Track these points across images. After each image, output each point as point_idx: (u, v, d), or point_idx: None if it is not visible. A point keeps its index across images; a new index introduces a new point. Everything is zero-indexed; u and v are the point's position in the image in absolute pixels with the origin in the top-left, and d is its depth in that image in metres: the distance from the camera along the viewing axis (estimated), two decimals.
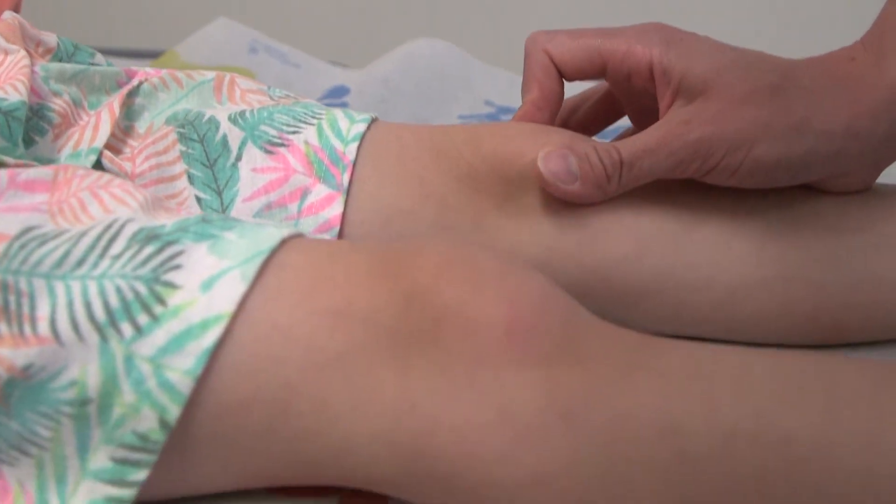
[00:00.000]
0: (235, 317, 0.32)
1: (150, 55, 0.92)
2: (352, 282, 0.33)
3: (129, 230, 0.33)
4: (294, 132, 0.45)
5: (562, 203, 0.44)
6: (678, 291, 0.44)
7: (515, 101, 0.83)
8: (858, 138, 0.41)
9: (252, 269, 0.32)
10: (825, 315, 0.45)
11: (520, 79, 0.87)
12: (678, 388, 0.31)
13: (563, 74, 0.46)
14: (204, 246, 0.33)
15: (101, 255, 0.33)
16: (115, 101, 0.47)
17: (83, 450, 0.32)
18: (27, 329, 0.31)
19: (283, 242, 0.34)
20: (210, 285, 0.32)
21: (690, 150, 0.41)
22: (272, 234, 0.34)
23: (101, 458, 0.32)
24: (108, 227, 0.34)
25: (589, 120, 0.51)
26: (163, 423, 0.31)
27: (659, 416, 0.30)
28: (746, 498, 0.30)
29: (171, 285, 0.32)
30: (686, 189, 0.45)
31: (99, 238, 0.33)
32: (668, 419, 0.30)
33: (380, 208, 0.44)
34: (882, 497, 0.29)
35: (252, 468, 0.34)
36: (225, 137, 0.45)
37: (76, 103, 0.47)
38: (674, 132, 0.41)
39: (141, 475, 0.32)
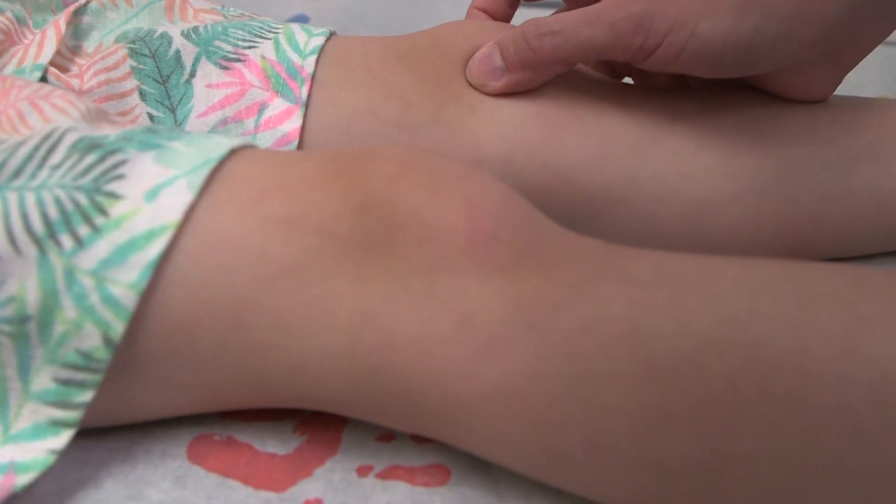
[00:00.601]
0: (182, 227, 0.30)
1: None
2: (305, 189, 0.32)
3: (70, 139, 0.32)
4: (250, 47, 0.44)
5: (523, 96, 0.43)
6: (644, 202, 0.43)
7: None
8: (808, 23, 0.39)
9: (199, 177, 0.31)
10: (796, 229, 0.44)
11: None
12: (646, 295, 0.30)
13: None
14: (149, 155, 0.32)
15: (40, 166, 0.31)
16: (60, 19, 0.45)
17: (24, 371, 0.31)
18: None
19: (233, 152, 0.33)
20: (155, 195, 0.31)
21: (633, 21, 0.39)
22: (221, 143, 0.33)
23: (43, 380, 0.30)
24: (47, 136, 0.32)
25: None
26: (107, 341, 0.30)
27: (627, 326, 0.29)
28: (719, 408, 0.29)
29: (114, 195, 0.30)
30: (649, 97, 0.44)
31: (37, 147, 0.31)
32: (636, 328, 0.29)
33: (340, 112, 0.43)
34: (859, 404, 0.28)
35: (204, 389, 0.33)
36: (178, 53, 0.43)
37: (20, 21, 0.45)
38: (615, 3, 0.40)
39: (86, 396, 0.31)
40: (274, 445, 0.35)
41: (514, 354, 0.29)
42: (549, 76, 0.42)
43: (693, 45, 0.39)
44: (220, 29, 0.44)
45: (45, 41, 0.43)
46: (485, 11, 0.48)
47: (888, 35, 0.43)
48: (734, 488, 0.29)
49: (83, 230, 0.30)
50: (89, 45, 0.46)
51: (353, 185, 0.32)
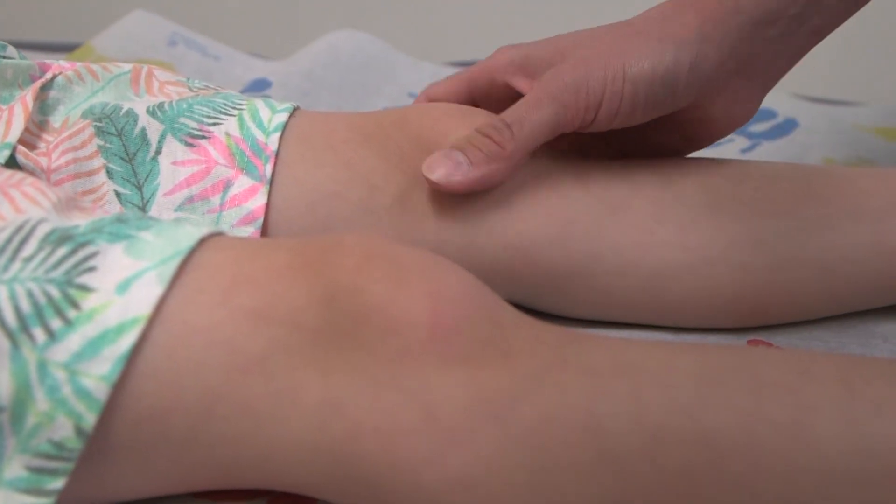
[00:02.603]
0: (153, 319, 0.31)
1: (65, 48, 0.90)
2: (272, 280, 0.33)
3: (42, 231, 0.32)
4: (215, 124, 0.45)
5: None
6: (605, 276, 0.45)
7: None
8: (714, 43, 0.43)
9: (169, 269, 0.32)
10: (749, 296, 0.46)
11: (443, 70, 0.88)
12: (604, 386, 0.31)
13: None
14: (119, 247, 0.32)
15: (12, 258, 0.32)
16: (27, 95, 0.45)
17: None
18: None
19: (202, 241, 0.33)
20: (126, 287, 0.31)
21: (571, 89, 0.43)
22: (190, 232, 0.33)
23: (15, 468, 0.31)
24: (20, 228, 0.32)
25: None
26: (79, 431, 0.30)
27: (584, 416, 0.30)
28: (674, 497, 0.30)
29: (86, 288, 0.31)
30: (608, 170, 0.46)
31: (10, 240, 0.32)
32: (593, 419, 0.30)
33: (304, 192, 0.44)
34: (806, 490, 0.29)
35: (174, 475, 0.33)
36: (144, 131, 0.44)
37: None
38: (549, 80, 0.43)
39: (58, 484, 0.31)
40: None
41: (477, 445, 0.30)
42: (515, 169, 0.43)
43: (628, 91, 0.43)
44: (185, 106, 0.45)
45: (12, 119, 0.44)
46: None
47: (803, 52, 0.47)
48: None
49: (55, 323, 0.30)
50: (56, 119, 0.46)
51: (319, 278, 0.33)
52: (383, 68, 0.86)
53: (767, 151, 0.70)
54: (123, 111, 0.45)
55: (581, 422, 0.30)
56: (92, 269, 0.31)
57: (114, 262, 0.32)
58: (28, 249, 0.32)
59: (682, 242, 0.45)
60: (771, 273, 0.45)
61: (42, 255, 0.32)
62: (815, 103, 0.79)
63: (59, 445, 0.31)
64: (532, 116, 0.43)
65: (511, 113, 0.43)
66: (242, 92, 0.82)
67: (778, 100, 0.78)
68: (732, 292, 0.45)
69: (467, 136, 0.43)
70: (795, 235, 0.45)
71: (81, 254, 0.32)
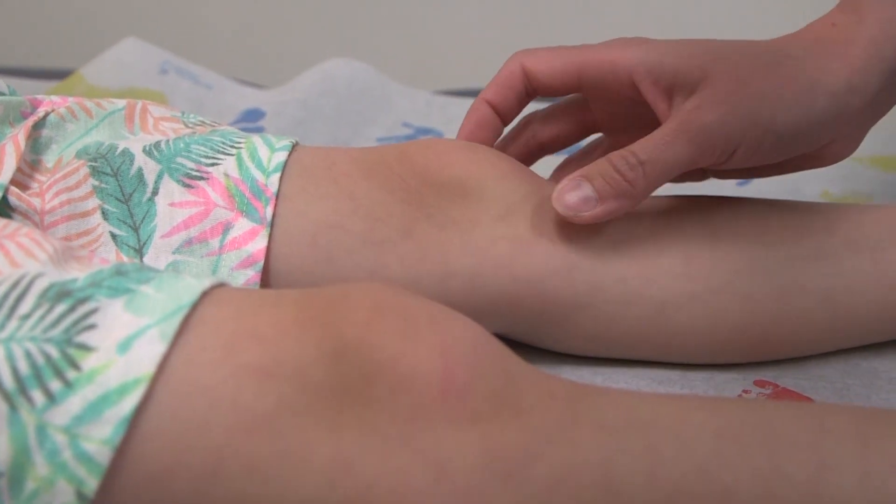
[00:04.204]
0: (155, 378, 0.30)
1: (56, 75, 0.89)
2: (278, 336, 0.32)
3: (39, 286, 0.31)
4: (213, 164, 0.44)
5: (492, 215, 0.44)
6: (608, 305, 0.44)
7: (433, 121, 0.83)
8: (858, 93, 0.43)
9: (172, 327, 0.31)
10: (754, 326, 0.45)
11: (436, 98, 0.87)
12: (618, 442, 0.30)
13: (536, 85, 0.46)
14: (120, 302, 0.31)
15: (9, 316, 0.30)
16: (20, 134, 0.44)
17: None
18: None
19: (204, 294, 0.32)
20: (127, 346, 0.30)
21: (709, 133, 0.41)
22: (192, 286, 0.32)
23: None
24: (16, 283, 0.31)
25: (555, 136, 0.51)
26: (80, 496, 0.29)
27: (599, 475, 0.30)
28: None
29: (85, 347, 0.30)
30: None
31: (6, 296, 0.31)
32: (608, 477, 0.30)
33: (306, 225, 0.43)
34: None
35: None
36: (140, 171, 0.43)
37: None
38: (688, 119, 0.42)
39: None
40: None
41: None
42: (637, 204, 0.43)
43: (769, 140, 0.42)
44: (182, 145, 0.45)
45: (4, 158, 0.43)
46: (491, 104, 0.48)
47: None
48: None
49: (55, 385, 0.29)
50: (49, 159, 0.46)
51: (327, 332, 0.32)
52: (378, 97, 0.86)
53: (763, 184, 0.70)
54: (119, 151, 0.44)
55: (596, 480, 0.30)
56: (92, 326, 0.30)
57: (114, 319, 0.31)
58: (25, 307, 0.31)
59: (685, 272, 0.44)
60: (774, 302, 0.45)
61: (40, 312, 0.31)
62: None
63: None
64: (667, 157, 0.42)
65: (645, 149, 0.42)
66: (236, 122, 0.81)
67: None
68: (737, 322, 0.45)
69: (599, 168, 0.42)
70: (796, 264, 0.45)
71: (81, 311, 0.31)
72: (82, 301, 0.31)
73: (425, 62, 1.27)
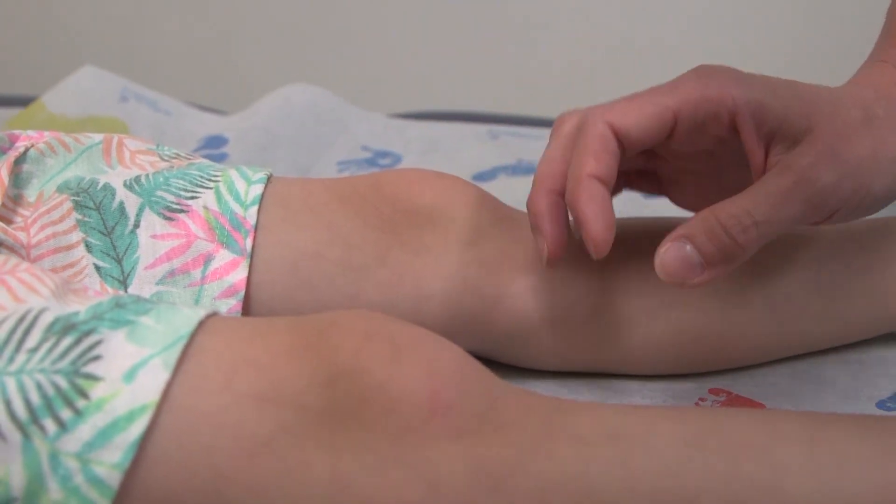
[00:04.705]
0: (160, 406, 0.32)
1: (17, 102, 0.89)
2: (274, 364, 0.34)
3: (44, 321, 0.33)
4: (192, 197, 0.46)
5: (462, 241, 0.46)
6: (571, 323, 0.47)
7: (390, 144, 0.86)
8: None
9: (173, 356, 0.33)
10: (708, 338, 0.48)
11: (393, 121, 0.90)
12: (595, 451, 0.33)
13: (626, 143, 0.41)
14: (122, 334, 0.33)
15: (17, 349, 0.32)
16: (2, 169, 0.46)
17: None
18: None
19: (200, 324, 0.34)
20: (133, 375, 0.32)
21: (826, 194, 0.40)
22: (189, 317, 0.34)
23: None
24: (22, 318, 0.33)
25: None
26: None
27: (579, 484, 0.32)
28: None
29: (93, 377, 0.32)
30: None
31: (13, 331, 0.33)
32: (587, 485, 0.32)
33: (286, 253, 0.46)
34: None
35: None
36: (122, 204, 0.45)
37: None
38: (806, 177, 0.39)
39: None
40: None
41: None
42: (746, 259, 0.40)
43: (866, 203, 0.41)
44: (161, 179, 0.46)
45: None
46: (601, 180, 0.41)
47: None
48: None
49: (65, 414, 0.31)
50: (30, 193, 0.47)
51: (320, 360, 0.34)
52: (336, 121, 0.87)
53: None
54: (101, 185, 0.45)
55: (577, 489, 0.32)
56: (97, 357, 0.32)
57: (118, 350, 0.32)
58: (32, 340, 0.32)
59: (639, 288, 0.47)
60: (724, 314, 0.47)
61: (47, 345, 0.32)
62: None
63: None
64: (782, 216, 0.39)
65: (759, 207, 0.39)
66: (199, 149, 0.83)
67: None
68: (692, 334, 0.48)
69: (707, 224, 0.39)
70: (742, 279, 0.48)
71: (86, 343, 0.33)
72: (87, 333, 0.33)
73: (381, 86, 1.29)
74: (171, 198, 0.45)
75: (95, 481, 0.31)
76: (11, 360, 0.32)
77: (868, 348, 0.53)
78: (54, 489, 0.31)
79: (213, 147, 0.82)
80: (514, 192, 0.59)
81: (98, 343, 0.33)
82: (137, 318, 0.34)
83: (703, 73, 0.41)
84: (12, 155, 0.47)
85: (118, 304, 0.35)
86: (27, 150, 0.48)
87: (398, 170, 0.50)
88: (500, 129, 0.90)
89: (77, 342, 0.33)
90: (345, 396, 0.33)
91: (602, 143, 0.40)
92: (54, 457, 0.31)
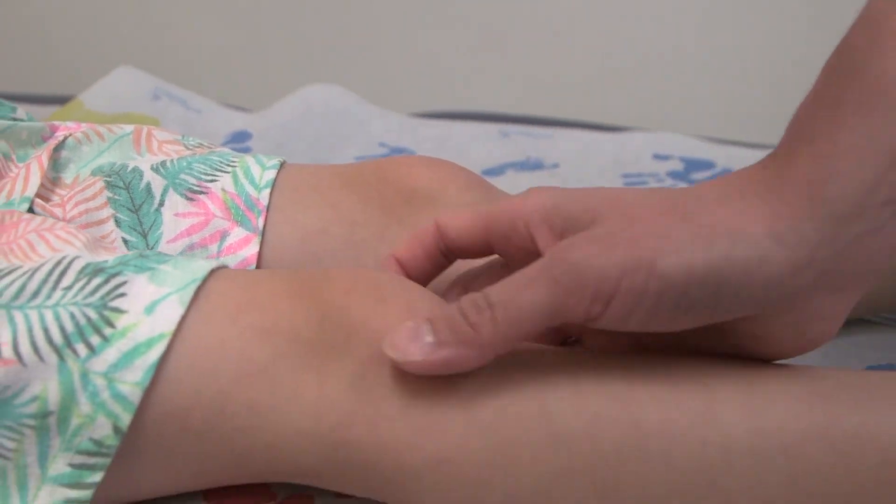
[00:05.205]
0: (175, 335, 0.37)
1: (56, 101, 0.95)
2: (274, 304, 0.39)
3: (77, 265, 0.38)
4: (212, 180, 0.51)
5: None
6: None
7: (405, 141, 0.90)
8: (784, 241, 0.34)
9: (188, 294, 0.38)
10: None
11: (409, 120, 0.94)
12: (548, 377, 0.37)
13: (449, 244, 0.42)
14: (144, 276, 0.38)
15: (54, 287, 0.38)
16: (42, 155, 0.51)
17: (43, 458, 0.37)
18: None
19: (212, 272, 0.40)
20: (152, 309, 0.37)
21: (575, 272, 0.34)
22: (202, 265, 0.40)
23: (60, 465, 0.37)
24: (58, 262, 0.38)
25: None
26: (116, 430, 0.36)
27: (536, 406, 0.36)
28: (608, 467, 0.36)
29: (118, 310, 0.37)
30: None
31: (50, 272, 0.38)
32: (541, 406, 0.36)
33: (294, 231, 0.50)
34: (714, 461, 0.36)
35: (193, 467, 0.39)
36: (149, 185, 0.50)
37: (5, 157, 0.51)
38: (555, 256, 0.35)
39: (97, 477, 0.37)
40: None
41: (448, 430, 0.36)
42: (491, 356, 0.36)
43: (654, 288, 0.34)
44: (184, 163, 0.52)
45: (29, 175, 0.50)
46: (399, 262, 0.43)
47: None
48: None
49: (94, 339, 0.37)
50: (67, 176, 0.52)
51: (315, 301, 0.39)
52: (354, 119, 0.92)
53: None
54: (130, 168, 0.51)
55: (533, 410, 0.36)
56: (123, 294, 0.38)
57: (141, 289, 0.38)
58: (67, 280, 0.38)
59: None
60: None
61: (80, 284, 0.38)
62: (751, 149, 0.86)
63: (98, 443, 0.36)
64: (523, 299, 0.35)
65: (499, 290, 0.36)
66: (225, 143, 0.88)
67: (715, 150, 0.86)
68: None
69: (446, 310, 0.36)
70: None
71: (113, 283, 0.38)
72: (114, 275, 0.38)
73: (398, 87, 1.34)
74: (192, 180, 0.50)
75: (119, 397, 0.36)
76: (49, 296, 0.37)
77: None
78: (84, 403, 0.36)
79: (238, 142, 0.88)
80: (521, 187, 0.63)
81: (124, 283, 0.38)
82: (158, 266, 0.39)
83: (528, 190, 0.40)
84: (52, 143, 0.53)
85: (141, 255, 0.40)
86: (66, 138, 0.53)
87: (399, 156, 0.55)
88: (511, 129, 0.94)
89: (105, 282, 0.38)
90: (334, 329, 0.38)
91: (421, 234, 0.42)
92: (84, 376, 0.36)
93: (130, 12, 1.39)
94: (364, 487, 0.39)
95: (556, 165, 0.86)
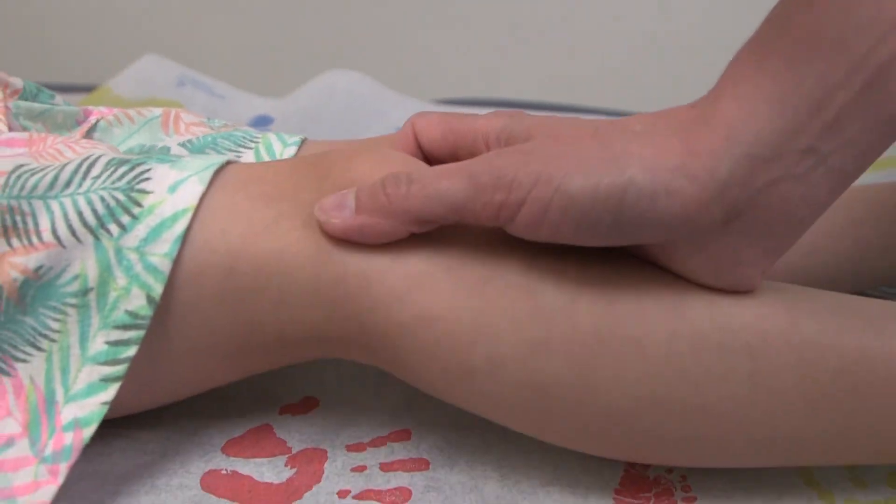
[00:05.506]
0: (197, 209, 0.40)
1: (85, 89, 0.98)
2: (278, 177, 0.42)
3: (104, 159, 0.42)
4: (236, 156, 0.53)
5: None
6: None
7: None
8: (694, 176, 0.35)
9: (207, 175, 0.41)
10: None
11: (428, 106, 0.96)
12: (535, 257, 0.40)
13: (422, 148, 0.45)
14: (166, 165, 0.42)
15: (84, 177, 0.41)
16: (76, 137, 0.54)
17: (84, 338, 0.40)
18: (34, 239, 0.39)
19: (227, 163, 0.43)
20: (175, 188, 0.40)
21: (494, 173, 0.36)
22: (218, 157, 0.43)
23: (98, 344, 0.40)
24: (86, 158, 0.42)
25: None
26: (149, 300, 0.39)
27: (520, 279, 0.39)
28: (584, 345, 0.38)
29: (144, 191, 0.40)
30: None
31: (80, 165, 0.41)
32: (529, 281, 0.39)
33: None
34: (682, 351, 0.38)
35: (210, 336, 0.42)
36: None
37: None
38: (481, 159, 0.38)
39: (131, 352, 0.40)
40: (270, 476, 0.44)
41: (436, 289, 0.39)
42: (402, 232, 0.39)
43: (558, 202, 0.36)
44: (210, 139, 0.54)
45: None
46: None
47: (826, 199, 0.36)
48: (594, 409, 0.39)
49: (125, 218, 0.40)
50: None
51: (315, 171, 0.42)
52: (373, 105, 0.95)
53: None
54: (159, 148, 0.53)
55: (518, 283, 0.39)
56: (147, 178, 0.41)
57: (163, 174, 0.41)
58: (95, 171, 0.41)
59: None
60: None
61: (107, 173, 0.41)
62: None
63: (133, 314, 0.39)
64: (438, 184, 0.37)
65: (422, 171, 0.39)
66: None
67: None
68: None
69: (373, 181, 0.40)
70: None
71: (138, 170, 0.41)
72: (138, 164, 0.41)
73: (418, 74, 1.36)
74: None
75: (151, 268, 0.39)
76: (80, 184, 0.40)
77: None
78: (120, 277, 0.39)
79: (261, 126, 0.90)
80: None
81: (148, 170, 0.41)
82: (178, 159, 0.42)
83: (497, 111, 0.43)
84: (85, 126, 0.56)
85: (161, 152, 0.44)
86: (98, 121, 0.56)
87: (415, 126, 0.57)
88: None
89: (131, 169, 0.41)
90: (332, 188, 0.41)
91: (402, 139, 0.46)
92: (119, 251, 0.39)
93: (153, 6, 1.42)
94: (361, 349, 0.41)
95: None
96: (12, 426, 0.39)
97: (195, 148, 0.53)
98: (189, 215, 0.40)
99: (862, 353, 0.39)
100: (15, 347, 0.40)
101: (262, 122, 0.91)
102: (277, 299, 0.41)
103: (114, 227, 0.40)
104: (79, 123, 0.57)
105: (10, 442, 0.39)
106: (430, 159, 0.45)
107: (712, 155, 0.35)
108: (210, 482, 0.44)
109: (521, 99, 1.03)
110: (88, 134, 0.55)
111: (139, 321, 0.40)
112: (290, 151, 0.54)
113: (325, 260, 0.40)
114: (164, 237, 0.40)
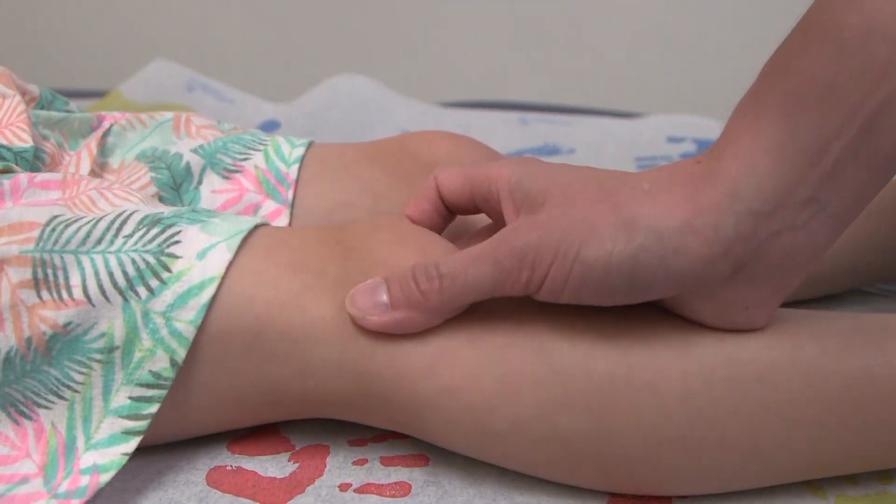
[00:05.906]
0: (224, 277, 0.42)
1: (97, 94, 1.00)
2: (305, 246, 0.44)
3: (137, 217, 0.43)
4: (245, 159, 0.55)
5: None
6: None
7: (428, 127, 0.94)
8: (700, 234, 0.37)
9: (235, 242, 0.42)
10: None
11: (432, 109, 0.98)
12: (546, 318, 0.41)
13: (445, 200, 0.46)
14: (196, 227, 0.43)
15: (116, 235, 0.42)
16: (91, 143, 0.56)
17: (107, 391, 0.41)
18: (65, 295, 0.40)
19: (256, 227, 0.44)
20: (204, 255, 0.42)
21: (517, 256, 0.39)
22: (248, 219, 0.44)
23: (121, 398, 0.41)
24: (119, 214, 0.43)
25: None
26: (173, 363, 0.41)
27: (534, 341, 0.40)
28: (600, 395, 0.40)
29: (174, 256, 0.41)
30: None
31: (113, 222, 0.42)
32: (540, 342, 0.40)
33: (322, 203, 0.55)
34: (698, 390, 0.40)
35: (233, 392, 0.43)
36: (188, 165, 0.54)
37: (60, 146, 0.56)
38: (501, 239, 0.40)
39: (153, 408, 0.41)
40: (273, 472, 0.46)
41: (459, 361, 0.40)
42: (438, 320, 0.41)
43: (577, 272, 0.38)
44: (220, 144, 0.56)
45: (80, 162, 0.54)
46: (411, 219, 0.47)
47: (825, 243, 0.38)
48: (615, 455, 0.40)
49: (154, 282, 0.41)
50: (114, 161, 0.57)
51: (339, 244, 0.44)
52: (378, 108, 0.96)
53: None
54: (172, 153, 0.55)
55: (534, 345, 0.40)
56: (177, 242, 0.42)
57: (193, 238, 0.42)
58: (127, 230, 0.42)
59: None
60: None
61: (139, 233, 0.42)
62: None
63: (156, 375, 0.41)
64: (469, 274, 0.40)
65: (450, 263, 0.40)
66: None
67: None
68: None
69: (401, 273, 0.41)
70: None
71: (169, 232, 0.42)
72: (170, 226, 0.43)
73: (423, 77, 1.36)
74: (228, 160, 0.55)
75: (176, 334, 0.41)
76: (112, 242, 0.42)
77: None
78: (146, 339, 0.41)
79: (268, 130, 0.92)
80: None
81: (178, 232, 0.42)
82: (209, 219, 0.44)
83: (508, 158, 0.44)
84: (99, 132, 0.57)
85: (193, 210, 0.44)
86: (111, 126, 0.58)
87: (419, 131, 0.58)
88: (531, 117, 0.98)
89: (162, 231, 0.42)
90: (356, 268, 0.43)
91: (425, 192, 0.46)
92: (146, 314, 0.41)
93: (163, 9, 1.43)
94: (384, 418, 0.43)
95: (572, 151, 0.90)
96: (29, 467, 0.41)
97: (206, 153, 0.55)
98: (216, 284, 0.41)
99: (865, 371, 0.40)
100: (38, 395, 0.41)
101: (269, 127, 0.93)
102: (302, 368, 0.42)
103: (142, 290, 0.41)
104: (93, 129, 0.58)
105: (24, 480, 0.41)
106: (452, 208, 0.47)
107: (717, 212, 0.37)
108: (215, 478, 0.45)
109: (526, 101, 1.04)
110: (103, 138, 0.57)
111: (162, 381, 0.41)
112: (298, 153, 0.56)
113: (351, 336, 0.41)
114: (191, 304, 0.41)
